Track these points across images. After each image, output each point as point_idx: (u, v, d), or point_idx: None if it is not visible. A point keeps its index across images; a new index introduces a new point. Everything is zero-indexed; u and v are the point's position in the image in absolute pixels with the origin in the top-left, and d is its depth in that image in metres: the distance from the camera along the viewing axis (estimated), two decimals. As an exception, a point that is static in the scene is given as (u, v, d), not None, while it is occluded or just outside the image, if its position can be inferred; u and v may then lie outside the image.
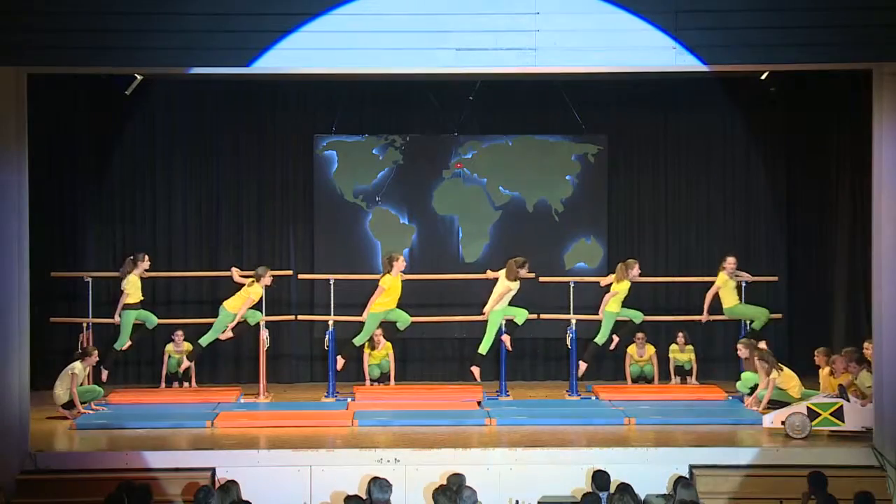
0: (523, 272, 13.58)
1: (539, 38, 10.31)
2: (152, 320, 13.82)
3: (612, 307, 13.84)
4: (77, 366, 12.63)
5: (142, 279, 13.73)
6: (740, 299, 13.96)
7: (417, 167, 15.79)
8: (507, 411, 12.92)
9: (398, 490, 9.71)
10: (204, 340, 13.73)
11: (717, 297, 14.01)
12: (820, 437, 11.54)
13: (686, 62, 10.37)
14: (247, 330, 13.92)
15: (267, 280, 13.74)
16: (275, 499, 10.55)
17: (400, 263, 13.53)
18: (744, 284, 14.04)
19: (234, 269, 14.11)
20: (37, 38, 10.14)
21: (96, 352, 13.03)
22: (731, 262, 13.92)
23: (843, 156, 15.25)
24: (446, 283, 15.12)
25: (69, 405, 12.50)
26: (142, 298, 13.68)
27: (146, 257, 13.75)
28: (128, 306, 13.57)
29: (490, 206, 15.82)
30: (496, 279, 13.77)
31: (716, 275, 14.11)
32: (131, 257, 13.74)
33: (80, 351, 13.01)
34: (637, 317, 13.99)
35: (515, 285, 13.60)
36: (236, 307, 13.60)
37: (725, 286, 13.89)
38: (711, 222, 16.01)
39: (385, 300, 13.50)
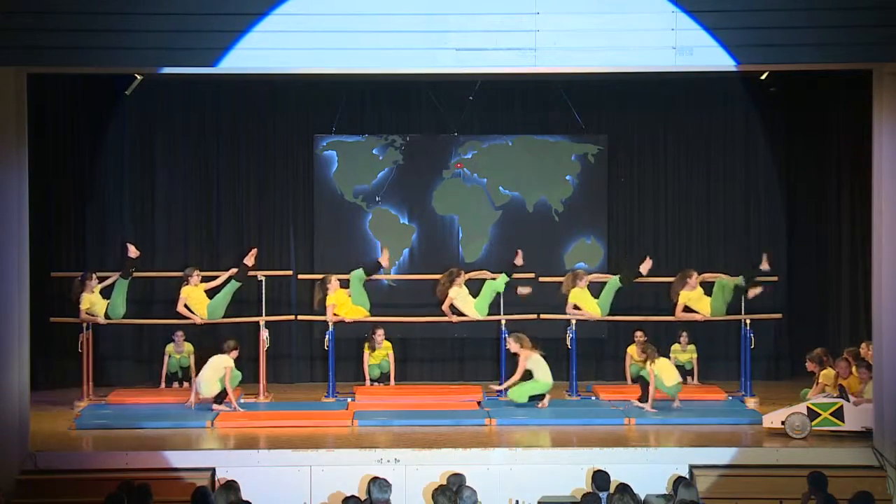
0: (460, 280, 13.86)
1: (539, 38, 10.32)
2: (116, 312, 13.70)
3: (593, 308, 13.93)
4: (228, 360, 12.97)
5: (131, 279, 13.69)
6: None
7: (417, 167, 15.79)
8: (507, 411, 12.92)
9: (398, 490, 9.72)
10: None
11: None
12: (820, 437, 11.54)
13: (685, 62, 10.37)
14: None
15: (195, 280, 13.72)
16: (275, 499, 10.56)
17: (334, 284, 13.77)
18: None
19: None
20: (37, 38, 10.14)
21: (237, 347, 13.30)
22: (696, 277, 13.86)
23: (843, 156, 15.25)
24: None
25: (220, 397, 12.88)
26: (107, 302, 13.63)
27: (94, 275, 13.63)
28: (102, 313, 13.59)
29: (490, 206, 15.82)
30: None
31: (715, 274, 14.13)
32: (79, 278, 13.64)
33: (227, 345, 13.19)
34: (613, 284, 14.02)
35: (457, 291, 13.82)
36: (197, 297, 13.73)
37: (693, 300, 13.85)
38: (711, 222, 16.00)
39: (347, 310, 13.77)
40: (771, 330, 15.25)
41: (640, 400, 13.05)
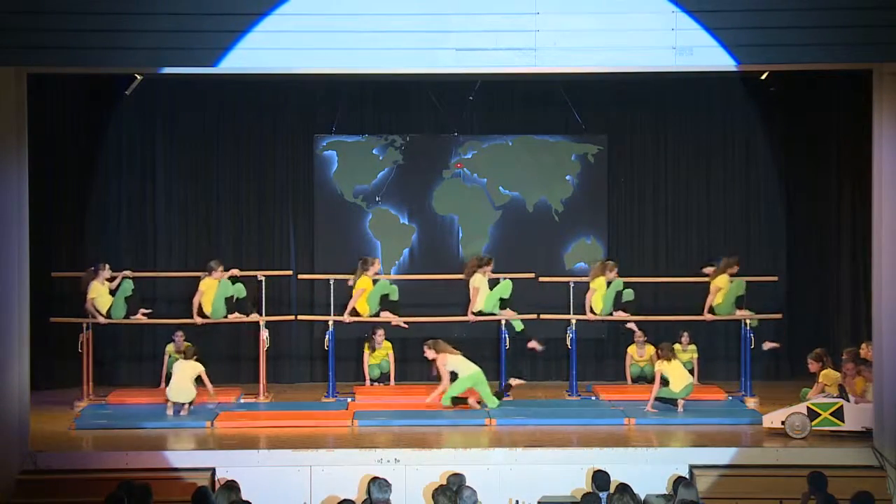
0: (487, 269, 13.90)
1: (539, 38, 10.33)
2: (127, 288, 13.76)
3: (598, 303, 13.98)
4: (198, 365, 12.91)
5: (133, 280, 13.80)
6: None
7: (417, 167, 15.79)
8: (507, 411, 12.92)
9: (398, 490, 9.71)
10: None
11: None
12: (820, 437, 11.54)
13: (685, 62, 10.37)
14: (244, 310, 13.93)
15: (218, 274, 13.72)
16: (275, 499, 10.56)
17: (375, 267, 13.84)
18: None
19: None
20: (37, 38, 10.14)
21: (197, 353, 13.31)
22: (735, 269, 13.90)
23: (844, 156, 15.26)
24: (446, 283, 15.10)
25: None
26: (111, 300, 13.66)
27: (106, 267, 13.69)
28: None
29: (490, 206, 15.82)
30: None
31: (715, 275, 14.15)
32: (92, 268, 13.66)
33: (187, 351, 13.18)
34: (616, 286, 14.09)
35: (480, 280, 13.87)
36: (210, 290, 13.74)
37: (719, 286, 13.87)
38: (711, 222, 16.00)
39: (361, 300, 13.80)
40: (771, 330, 15.23)
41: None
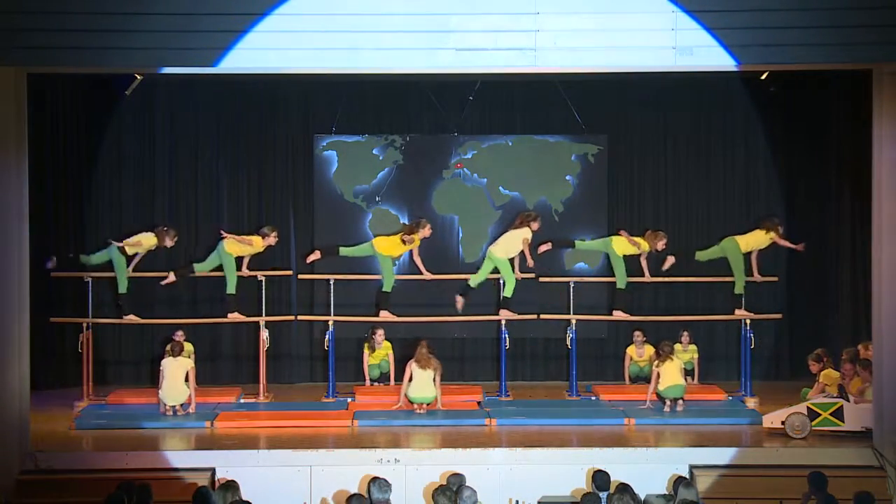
0: (535, 225, 13.95)
1: (539, 38, 10.33)
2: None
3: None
4: (187, 362, 12.99)
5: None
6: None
7: (417, 167, 15.79)
8: (507, 411, 12.93)
9: (398, 490, 9.72)
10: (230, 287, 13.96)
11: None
12: (820, 437, 11.54)
13: (685, 62, 10.38)
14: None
15: (271, 239, 14.05)
16: (275, 499, 10.57)
17: (425, 231, 14.03)
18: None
19: None
20: (37, 38, 10.15)
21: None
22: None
23: (844, 156, 15.25)
24: (446, 283, 15.09)
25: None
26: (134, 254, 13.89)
27: (175, 235, 14.03)
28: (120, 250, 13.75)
29: (490, 206, 15.81)
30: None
31: (714, 275, 14.16)
32: (164, 227, 14.02)
33: (174, 347, 13.18)
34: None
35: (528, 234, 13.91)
36: (234, 250, 13.94)
37: (759, 242, 13.94)
38: (711, 222, 15.98)
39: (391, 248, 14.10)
40: (771, 330, 15.25)
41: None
